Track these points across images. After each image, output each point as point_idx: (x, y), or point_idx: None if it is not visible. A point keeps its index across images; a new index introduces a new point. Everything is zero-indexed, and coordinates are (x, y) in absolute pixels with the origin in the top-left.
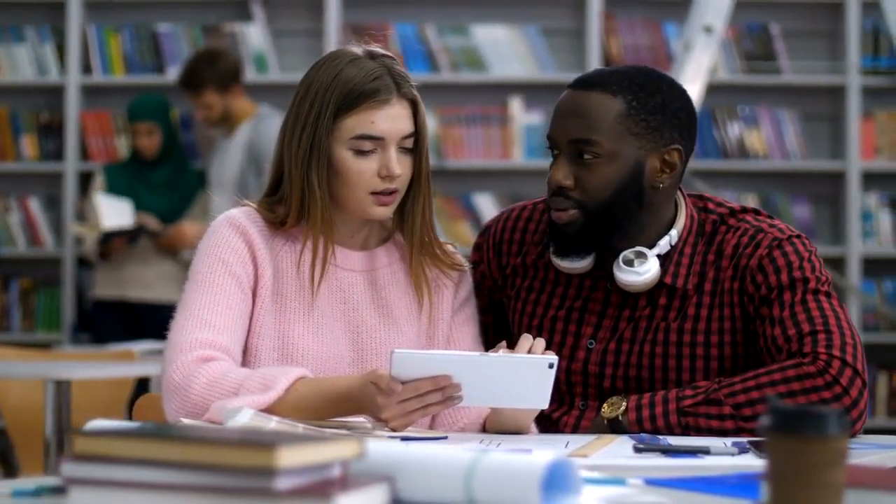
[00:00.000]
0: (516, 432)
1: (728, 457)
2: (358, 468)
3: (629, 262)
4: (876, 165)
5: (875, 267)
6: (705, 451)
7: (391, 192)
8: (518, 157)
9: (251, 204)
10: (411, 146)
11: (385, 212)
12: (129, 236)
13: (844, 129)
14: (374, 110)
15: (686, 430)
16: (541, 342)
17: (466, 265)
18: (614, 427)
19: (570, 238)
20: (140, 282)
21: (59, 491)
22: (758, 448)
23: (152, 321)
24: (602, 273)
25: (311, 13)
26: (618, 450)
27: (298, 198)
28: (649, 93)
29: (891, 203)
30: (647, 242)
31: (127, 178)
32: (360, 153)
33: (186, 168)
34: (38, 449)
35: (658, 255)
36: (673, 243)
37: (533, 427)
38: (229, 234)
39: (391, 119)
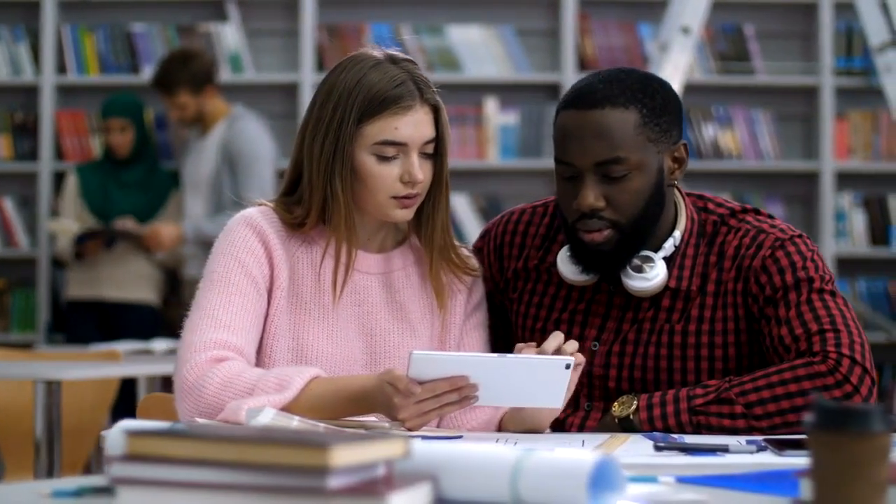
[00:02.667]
0: (532, 431)
1: (747, 455)
2: (400, 467)
3: (637, 269)
4: (849, 165)
5: (849, 267)
6: (724, 450)
7: (412, 197)
8: (493, 158)
9: (268, 203)
10: (432, 151)
11: (406, 214)
12: (105, 238)
13: (818, 130)
14: (398, 116)
15: (697, 429)
16: (573, 343)
17: (479, 270)
18: (625, 426)
19: (603, 256)
20: (115, 282)
21: (100, 491)
22: (774, 446)
23: (127, 321)
24: (605, 276)
25: (286, 13)
26: (638, 448)
27: (320, 202)
28: (651, 95)
29: (864, 203)
30: (653, 246)
31: (100, 177)
32: (383, 159)
33: (159, 168)
34: (24, 450)
35: (663, 258)
36: (677, 244)
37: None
38: (246, 233)
39: (414, 125)
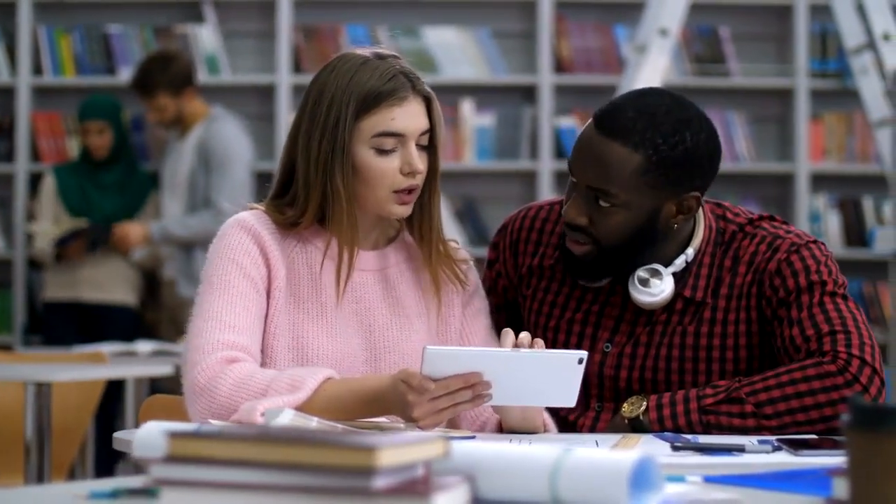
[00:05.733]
0: (530, 431)
1: (763, 455)
2: (437, 467)
3: (644, 282)
4: (824, 167)
5: None
6: (740, 450)
7: (411, 190)
8: (470, 159)
9: (259, 207)
10: (427, 143)
11: (405, 210)
12: (88, 240)
13: (793, 132)
14: (394, 108)
15: (707, 429)
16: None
17: (470, 259)
18: (635, 426)
19: (584, 266)
20: (93, 283)
21: (136, 493)
22: (789, 446)
23: (105, 323)
24: (620, 278)
25: (262, 15)
26: (654, 448)
27: (318, 201)
28: (672, 145)
29: (839, 204)
30: (664, 261)
31: (77, 179)
32: (382, 152)
33: (137, 169)
34: (10, 453)
35: (674, 272)
36: (689, 260)
37: (552, 426)
38: (241, 236)
39: (410, 116)
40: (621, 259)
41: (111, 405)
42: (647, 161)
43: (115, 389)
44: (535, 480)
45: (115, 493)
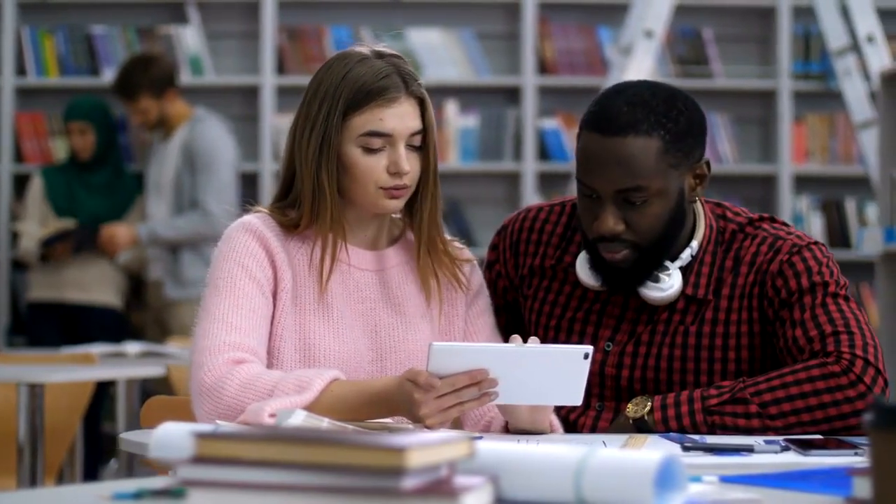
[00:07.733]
0: (538, 432)
1: (772, 455)
2: (461, 467)
3: (653, 278)
4: (807, 169)
5: None
6: (748, 450)
7: (401, 188)
8: (453, 161)
9: (263, 209)
10: (419, 144)
11: (396, 204)
12: (75, 241)
13: (776, 133)
14: (383, 108)
15: (711, 429)
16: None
17: (474, 259)
18: (640, 426)
19: (622, 273)
20: (78, 284)
21: (159, 494)
22: (797, 446)
23: (90, 324)
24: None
25: (246, 16)
26: (663, 448)
27: (310, 197)
28: (675, 119)
29: (822, 206)
30: (670, 255)
31: (65, 180)
32: (370, 150)
33: (124, 171)
34: (2, 454)
35: (679, 267)
36: (694, 254)
37: (559, 427)
38: (246, 239)
39: (399, 116)
40: (658, 253)
41: (96, 407)
42: (663, 141)
43: (99, 391)
44: (559, 480)
45: (139, 494)
